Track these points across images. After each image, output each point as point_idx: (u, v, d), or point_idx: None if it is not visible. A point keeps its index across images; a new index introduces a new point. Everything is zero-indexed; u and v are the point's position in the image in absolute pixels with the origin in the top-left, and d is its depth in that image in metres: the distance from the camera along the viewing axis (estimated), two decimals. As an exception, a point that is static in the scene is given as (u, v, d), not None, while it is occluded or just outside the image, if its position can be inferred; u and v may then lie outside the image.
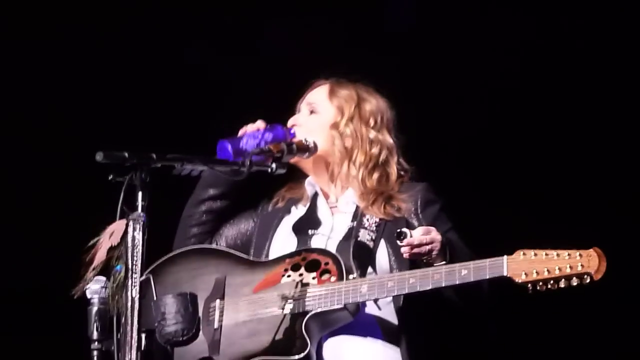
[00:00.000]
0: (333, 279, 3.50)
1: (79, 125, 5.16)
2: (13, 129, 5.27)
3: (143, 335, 3.07)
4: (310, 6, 5.22)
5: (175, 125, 5.10)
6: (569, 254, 3.33)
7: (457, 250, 3.54)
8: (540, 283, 3.35)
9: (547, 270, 3.33)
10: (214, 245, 3.81)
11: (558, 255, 3.34)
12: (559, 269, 3.33)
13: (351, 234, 3.67)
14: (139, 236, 3.10)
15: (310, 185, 3.83)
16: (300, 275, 3.55)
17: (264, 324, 3.51)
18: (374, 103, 3.86)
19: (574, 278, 3.32)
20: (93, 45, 5.26)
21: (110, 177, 3.12)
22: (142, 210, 3.12)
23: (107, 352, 3.18)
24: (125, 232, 3.11)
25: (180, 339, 3.17)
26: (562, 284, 3.34)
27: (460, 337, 5.00)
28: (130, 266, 3.09)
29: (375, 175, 3.78)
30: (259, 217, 3.86)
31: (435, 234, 3.49)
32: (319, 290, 3.49)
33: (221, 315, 3.56)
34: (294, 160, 3.74)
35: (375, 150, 3.80)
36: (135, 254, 3.09)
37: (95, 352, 3.21)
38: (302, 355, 3.42)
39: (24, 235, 5.23)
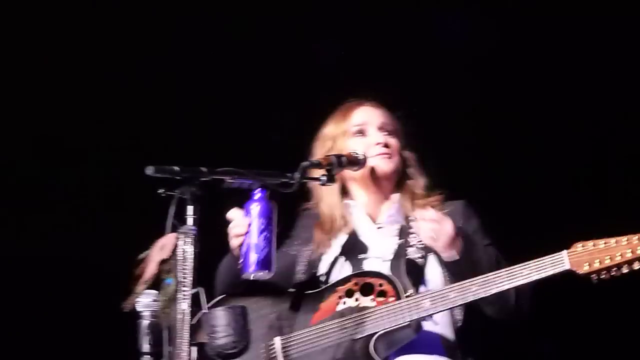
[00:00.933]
0: (392, 298, 3.50)
1: (131, 138, 5.20)
2: (65, 142, 5.32)
3: (194, 348, 3.07)
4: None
5: (225, 139, 5.11)
6: (627, 240, 3.36)
7: (476, 247, 3.58)
8: (604, 272, 3.36)
9: (610, 258, 3.36)
10: None
11: (616, 242, 3.37)
12: (620, 255, 3.35)
13: (401, 252, 3.67)
14: (189, 249, 3.10)
15: (355, 208, 3.83)
16: (357, 300, 3.55)
17: (330, 353, 3.50)
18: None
19: (636, 262, 3.34)
20: (146, 64, 5.29)
21: (161, 190, 3.13)
22: (193, 224, 3.12)
23: None
24: (176, 246, 3.11)
25: (231, 351, 3.18)
26: (624, 270, 3.36)
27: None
28: (180, 279, 3.09)
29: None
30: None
31: (446, 219, 3.53)
32: (380, 310, 3.49)
33: (285, 352, 3.54)
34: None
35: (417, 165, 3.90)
36: (185, 267, 3.09)
37: None
38: None
39: (76, 249, 5.24)
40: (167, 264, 3.15)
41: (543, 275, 3.39)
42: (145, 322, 3.25)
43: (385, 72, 5.18)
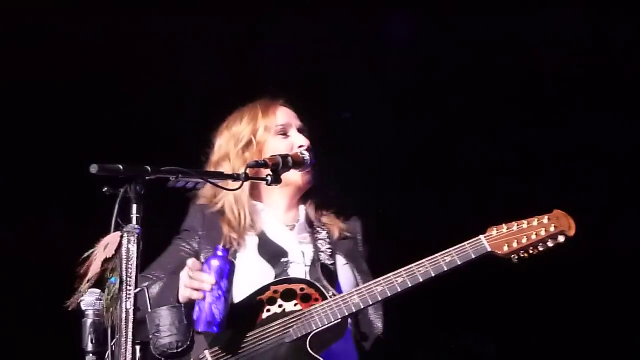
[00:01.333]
0: (317, 300, 3.56)
1: (73, 136, 5.16)
2: (7, 139, 5.27)
3: (137, 348, 3.09)
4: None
5: (170, 139, 5.10)
6: (538, 220, 3.58)
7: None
8: (522, 251, 3.57)
9: (526, 237, 3.56)
10: None
11: (528, 223, 3.58)
12: (536, 234, 3.56)
13: (315, 258, 3.75)
14: (133, 248, 3.09)
15: (264, 212, 3.85)
16: (280, 306, 3.58)
17: (269, 357, 3.53)
18: None
19: (549, 240, 3.56)
20: (89, 54, 5.26)
21: (105, 189, 3.11)
22: (137, 223, 3.11)
23: None
24: (120, 245, 3.10)
25: (175, 351, 3.19)
26: (540, 248, 3.57)
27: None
28: (124, 278, 3.08)
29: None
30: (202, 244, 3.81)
31: None
32: (311, 311, 3.54)
33: None
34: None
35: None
36: (129, 266, 3.09)
37: None
38: None
39: (18, 248, 5.20)
40: (112, 263, 3.12)
41: (466, 260, 3.53)
42: (89, 321, 3.25)
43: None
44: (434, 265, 3.54)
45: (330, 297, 3.56)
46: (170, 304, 3.42)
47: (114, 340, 3.07)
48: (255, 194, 3.87)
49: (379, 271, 3.69)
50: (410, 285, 3.53)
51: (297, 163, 3.65)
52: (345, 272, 3.80)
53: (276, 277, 3.67)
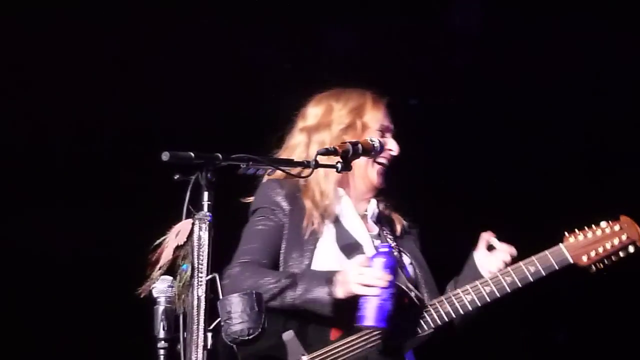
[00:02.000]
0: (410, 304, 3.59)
1: (146, 125, 5.18)
2: (80, 130, 5.30)
3: (209, 334, 3.08)
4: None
5: (240, 127, 5.10)
6: (610, 228, 3.58)
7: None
8: (599, 262, 3.57)
9: (602, 247, 3.55)
10: None
11: (602, 231, 3.57)
12: (611, 244, 3.56)
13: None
14: (205, 235, 3.11)
15: (344, 199, 3.81)
16: None
17: None
18: None
19: (621, 250, 3.56)
20: (156, 47, 5.29)
21: (177, 177, 3.12)
22: (208, 210, 3.12)
23: (174, 351, 3.17)
24: (192, 232, 3.11)
25: (246, 338, 3.13)
26: (614, 258, 3.57)
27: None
28: (196, 265, 3.10)
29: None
30: (290, 222, 3.74)
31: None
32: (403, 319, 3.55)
33: None
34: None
35: None
36: (201, 253, 3.10)
37: (161, 351, 3.21)
38: None
39: (92, 235, 5.25)
40: (183, 250, 3.14)
41: (550, 270, 3.54)
42: (160, 308, 3.23)
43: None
44: (519, 274, 3.55)
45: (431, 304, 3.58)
46: (326, 301, 3.47)
47: (186, 328, 3.09)
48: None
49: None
50: (498, 295, 3.56)
51: (366, 150, 3.59)
52: (410, 270, 3.79)
53: None
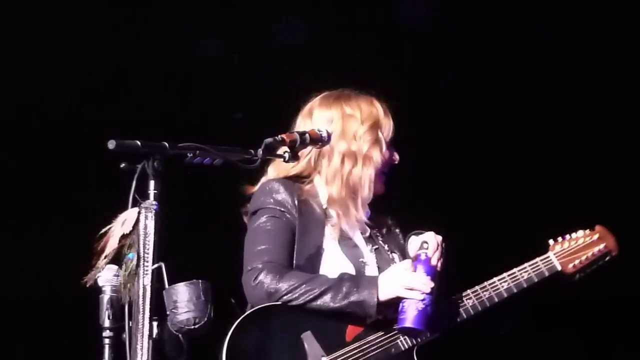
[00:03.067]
0: None
1: (92, 114, 5.15)
2: (28, 118, 5.26)
3: (155, 324, 3.06)
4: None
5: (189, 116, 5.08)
6: (590, 237, 3.69)
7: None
8: (581, 271, 3.69)
9: (585, 255, 3.68)
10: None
11: (583, 240, 3.69)
12: (592, 253, 3.68)
13: (380, 262, 3.73)
14: (151, 224, 3.08)
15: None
16: None
17: None
18: None
19: (600, 260, 3.70)
20: (109, 34, 5.26)
21: (123, 165, 3.09)
22: (154, 199, 3.10)
23: (120, 340, 3.15)
24: (138, 221, 3.09)
25: (192, 327, 3.12)
26: (593, 267, 3.70)
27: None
28: (142, 254, 3.07)
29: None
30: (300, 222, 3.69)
31: (439, 237, 3.65)
32: None
33: None
34: None
35: None
36: (147, 242, 3.08)
37: (107, 340, 3.20)
38: None
39: (35, 225, 5.23)
40: (129, 239, 3.11)
41: (541, 278, 3.66)
42: (106, 297, 3.21)
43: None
44: (514, 280, 3.66)
45: None
46: (372, 303, 3.49)
47: (131, 317, 3.06)
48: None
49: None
50: (497, 301, 3.64)
51: (314, 140, 3.55)
52: None
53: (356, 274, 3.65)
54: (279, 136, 3.48)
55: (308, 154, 3.74)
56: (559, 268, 3.68)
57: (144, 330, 3.03)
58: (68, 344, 4.90)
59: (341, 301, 3.51)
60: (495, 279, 3.66)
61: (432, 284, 3.52)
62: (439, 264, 3.59)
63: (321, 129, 3.60)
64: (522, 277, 3.65)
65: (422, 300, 3.51)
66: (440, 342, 3.66)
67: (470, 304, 3.64)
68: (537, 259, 3.69)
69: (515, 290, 3.64)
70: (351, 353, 3.55)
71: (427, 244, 3.58)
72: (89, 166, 4.80)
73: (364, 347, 3.56)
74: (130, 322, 3.07)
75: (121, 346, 3.10)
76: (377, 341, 3.58)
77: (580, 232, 3.72)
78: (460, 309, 3.64)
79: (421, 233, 3.66)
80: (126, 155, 3.08)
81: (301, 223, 3.67)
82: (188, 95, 5.19)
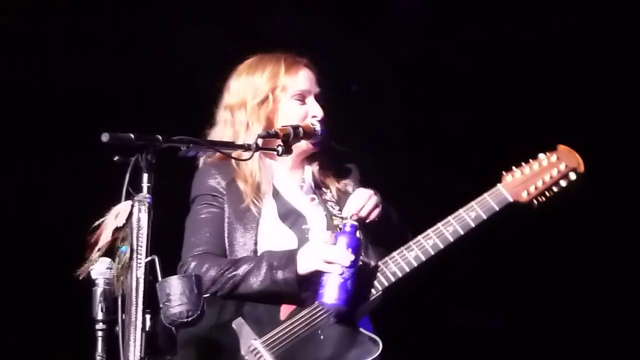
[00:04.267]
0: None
1: (84, 107, 5.13)
2: (19, 112, 5.23)
3: (147, 316, 3.06)
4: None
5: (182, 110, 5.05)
6: (547, 159, 3.51)
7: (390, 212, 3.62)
8: (540, 195, 3.51)
9: (541, 180, 3.49)
10: None
11: (539, 164, 3.50)
12: (550, 175, 3.50)
13: (329, 224, 3.64)
14: (144, 217, 3.08)
15: (277, 171, 3.73)
16: None
17: (321, 339, 3.48)
18: None
19: (562, 180, 3.51)
20: (101, 28, 5.24)
21: (116, 158, 3.08)
22: (148, 192, 3.10)
23: (112, 333, 3.13)
24: (131, 214, 3.08)
25: (185, 320, 3.10)
26: (555, 189, 3.52)
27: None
28: (135, 247, 3.07)
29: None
30: (228, 208, 3.65)
31: (368, 191, 3.54)
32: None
33: (271, 351, 3.46)
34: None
35: None
36: (140, 235, 3.08)
37: (100, 333, 3.17)
38: (377, 353, 3.45)
39: (30, 217, 5.20)
40: (122, 232, 3.11)
41: (491, 213, 3.45)
42: (99, 290, 3.19)
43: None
44: (461, 222, 3.46)
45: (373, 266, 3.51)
46: (292, 280, 3.43)
47: (124, 309, 3.06)
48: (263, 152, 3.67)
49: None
50: (442, 247, 3.46)
51: (307, 134, 3.58)
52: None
53: (299, 243, 3.58)
54: (273, 130, 3.52)
55: (225, 128, 3.70)
56: (510, 199, 3.47)
57: (137, 322, 3.03)
58: (61, 337, 4.90)
59: (264, 282, 3.46)
60: (439, 224, 3.46)
61: (352, 257, 3.40)
62: (372, 216, 3.49)
63: (314, 122, 3.64)
64: (470, 216, 3.44)
65: (341, 274, 3.40)
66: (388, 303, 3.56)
67: (413, 256, 3.48)
68: (485, 194, 3.47)
69: (462, 232, 3.44)
70: (285, 331, 3.47)
71: (353, 214, 3.47)
72: (82, 159, 4.75)
73: (300, 322, 3.47)
74: (123, 315, 3.07)
75: (114, 339, 3.09)
76: (313, 314, 3.48)
77: (541, 156, 3.54)
78: (402, 264, 3.48)
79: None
80: (119, 147, 3.07)
81: (231, 205, 3.63)
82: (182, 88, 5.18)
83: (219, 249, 3.60)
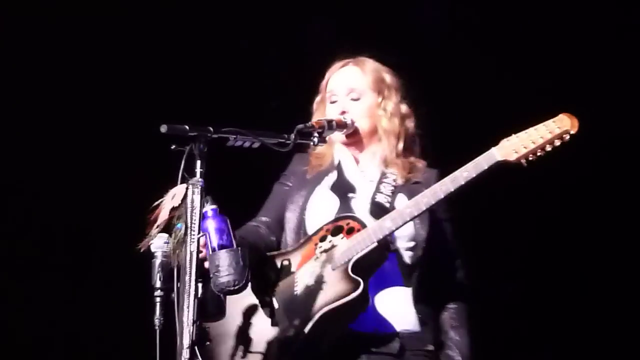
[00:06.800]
0: (359, 230, 3.59)
1: (148, 101, 5.21)
2: (92, 108, 5.33)
3: (199, 285, 3.14)
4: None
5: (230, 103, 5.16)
6: (544, 124, 3.47)
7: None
8: (531, 155, 3.46)
9: (532, 142, 3.45)
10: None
11: (536, 129, 3.47)
12: (541, 137, 3.45)
13: (374, 197, 3.74)
14: (197, 198, 3.16)
15: (343, 152, 3.86)
16: (330, 242, 3.63)
17: (315, 285, 3.57)
18: (394, 79, 3.91)
19: (556, 140, 3.44)
20: (160, 26, 5.31)
21: (173, 147, 3.18)
22: (200, 176, 3.18)
23: (169, 299, 3.22)
24: (185, 195, 3.16)
25: (232, 288, 3.21)
26: (547, 149, 3.45)
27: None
28: (189, 224, 3.15)
29: (403, 145, 3.85)
30: (295, 182, 3.86)
31: None
32: (350, 241, 3.57)
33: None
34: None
35: (408, 123, 3.89)
36: (193, 214, 3.15)
37: (157, 299, 3.26)
38: (360, 290, 3.45)
39: (104, 198, 5.31)
40: (178, 211, 3.20)
41: (480, 171, 3.46)
42: (157, 261, 3.28)
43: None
44: (454, 181, 3.49)
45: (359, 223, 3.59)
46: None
47: (179, 278, 3.15)
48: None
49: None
50: (433, 202, 3.50)
51: (340, 125, 3.74)
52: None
53: (339, 208, 3.70)
54: (309, 122, 3.64)
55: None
56: (499, 158, 3.44)
57: (190, 290, 3.10)
58: (125, 302, 4.94)
59: None
60: (435, 184, 3.52)
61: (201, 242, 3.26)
62: None
63: (346, 116, 3.78)
64: (462, 175, 3.46)
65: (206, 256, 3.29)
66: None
67: (408, 212, 3.51)
68: (480, 156, 3.48)
69: (452, 189, 3.46)
70: (288, 285, 3.59)
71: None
72: (144, 147, 4.87)
73: (308, 269, 3.60)
74: (178, 284, 3.15)
75: (170, 304, 3.17)
76: (312, 267, 3.60)
77: (540, 124, 3.49)
78: (397, 219, 3.52)
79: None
80: (176, 137, 3.17)
81: (296, 178, 3.83)
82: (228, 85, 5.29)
83: (271, 217, 3.82)
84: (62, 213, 5.33)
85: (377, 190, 3.76)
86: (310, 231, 3.73)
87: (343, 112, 3.80)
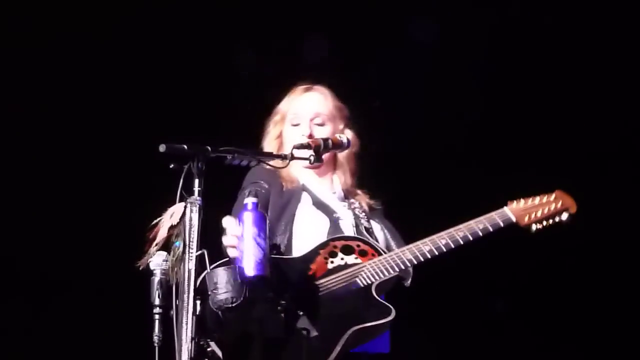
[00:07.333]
0: (374, 254, 3.65)
1: (145, 122, 5.22)
2: (91, 125, 5.32)
3: (198, 302, 3.14)
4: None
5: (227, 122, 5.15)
6: (546, 197, 3.74)
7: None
8: (539, 222, 3.71)
9: (541, 211, 3.70)
10: None
11: (540, 199, 3.73)
12: (549, 209, 3.71)
13: (357, 222, 3.82)
14: (195, 217, 3.17)
15: (307, 175, 3.90)
16: (342, 259, 3.63)
17: (341, 301, 3.56)
18: (347, 111, 4.03)
19: (557, 215, 3.72)
20: (155, 45, 5.31)
21: (172, 166, 3.20)
22: (198, 195, 3.19)
23: (168, 316, 3.23)
24: (184, 214, 3.18)
25: (230, 305, 3.22)
26: (551, 222, 3.72)
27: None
28: (187, 242, 3.16)
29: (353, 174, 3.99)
30: (273, 189, 3.83)
31: None
32: (373, 263, 3.62)
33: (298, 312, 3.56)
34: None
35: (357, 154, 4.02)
36: (192, 232, 3.17)
37: (156, 316, 3.27)
38: (392, 315, 3.52)
39: (103, 217, 5.31)
40: (176, 229, 3.21)
41: (496, 228, 3.66)
42: (156, 279, 3.28)
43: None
44: (470, 230, 3.65)
45: (383, 253, 3.66)
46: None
47: (178, 296, 3.16)
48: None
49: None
50: (453, 247, 3.64)
51: (336, 145, 3.74)
52: (380, 234, 3.86)
53: (330, 227, 3.74)
54: (306, 141, 3.66)
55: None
56: (514, 219, 3.68)
57: (189, 307, 3.11)
58: (124, 319, 4.94)
59: None
60: (451, 229, 3.66)
61: (238, 232, 3.37)
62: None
63: (342, 135, 3.80)
64: (478, 227, 3.64)
65: (239, 249, 3.36)
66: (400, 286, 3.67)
67: (427, 249, 3.62)
68: (493, 213, 3.69)
69: (470, 238, 3.64)
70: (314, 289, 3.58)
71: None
72: (143, 166, 4.86)
73: (327, 282, 3.59)
74: (177, 301, 3.15)
75: (169, 321, 3.19)
76: (340, 277, 3.60)
77: (541, 195, 3.76)
78: (417, 254, 3.62)
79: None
80: (174, 157, 3.19)
81: (273, 194, 3.80)
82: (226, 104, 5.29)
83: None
84: (61, 231, 5.31)
85: (355, 215, 3.84)
86: (297, 242, 3.71)
87: (310, 136, 3.85)
